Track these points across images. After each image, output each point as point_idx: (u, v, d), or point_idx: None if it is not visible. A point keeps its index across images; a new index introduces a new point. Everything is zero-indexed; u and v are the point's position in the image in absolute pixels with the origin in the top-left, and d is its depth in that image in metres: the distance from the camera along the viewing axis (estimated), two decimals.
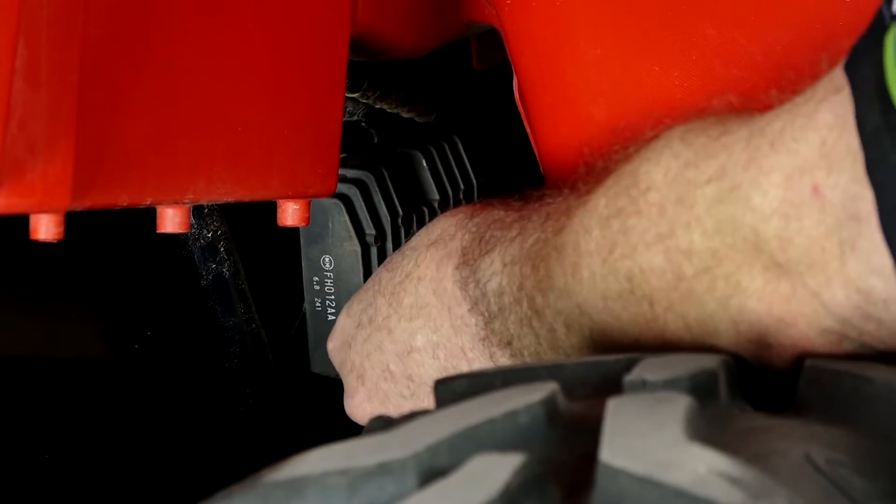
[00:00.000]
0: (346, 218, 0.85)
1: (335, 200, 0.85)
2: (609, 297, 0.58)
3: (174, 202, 0.63)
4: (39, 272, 0.85)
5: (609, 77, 0.76)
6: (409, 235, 0.90)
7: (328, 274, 0.86)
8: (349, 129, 0.88)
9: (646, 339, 0.57)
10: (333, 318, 0.87)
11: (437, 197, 0.94)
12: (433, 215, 0.93)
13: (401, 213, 0.89)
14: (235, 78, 0.64)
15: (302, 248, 0.87)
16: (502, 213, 0.71)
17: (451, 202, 0.96)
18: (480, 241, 0.70)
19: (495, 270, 0.67)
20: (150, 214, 0.64)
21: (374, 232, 0.86)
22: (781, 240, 0.49)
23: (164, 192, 0.61)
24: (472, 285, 0.69)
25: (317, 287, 0.87)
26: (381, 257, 0.87)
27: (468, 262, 0.69)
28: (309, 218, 0.73)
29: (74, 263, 0.86)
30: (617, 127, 0.70)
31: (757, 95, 0.66)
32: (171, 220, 0.64)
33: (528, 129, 0.84)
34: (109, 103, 0.56)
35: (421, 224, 0.92)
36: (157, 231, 0.64)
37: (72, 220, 0.56)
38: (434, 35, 0.86)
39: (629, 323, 0.57)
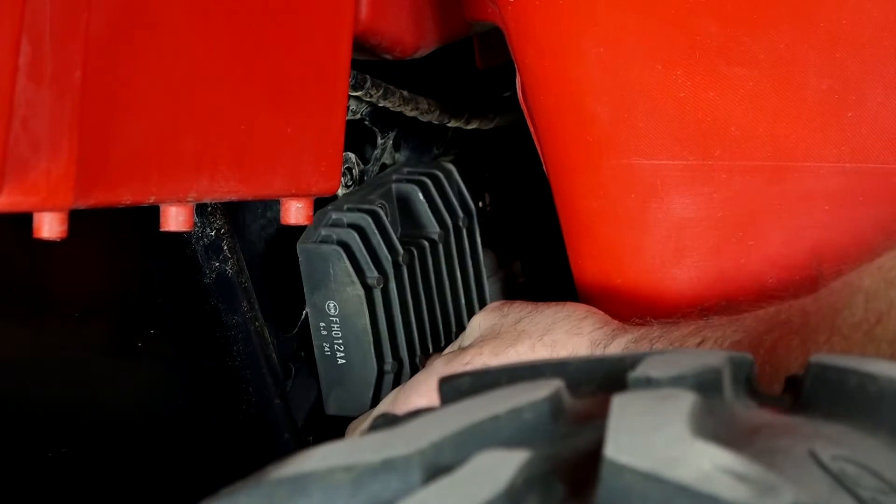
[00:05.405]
0: (347, 263, 0.86)
1: (335, 247, 0.86)
2: None
3: (177, 200, 0.63)
4: (43, 271, 0.85)
5: (612, 75, 0.76)
6: (411, 272, 0.90)
7: (334, 319, 0.87)
8: (352, 128, 0.88)
9: None
10: (343, 361, 0.88)
11: (437, 230, 0.94)
12: (434, 249, 0.94)
13: (401, 251, 0.89)
14: (239, 76, 0.64)
15: (306, 294, 0.88)
16: None
17: (451, 232, 0.96)
18: None
19: None
20: (153, 213, 0.64)
21: (375, 274, 0.87)
22: None
23: (167, 191, 0.61)
24: None
25: (324, 332, 0.88)
26: (385, 298, 0.88)
27: None
28: (312, 216, 0.73)
29: (77, 262, 0.86)
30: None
31: (759, 93, 0.66)
32: (175, 219, 0.64)
33: (531, 128, 0.84)
34: (113, 101, 0.56)
35: (423, 259, 0.92)
36: (161, 229, 0.64)
37: (75, 219, 0.56)
38: (436, 34, 0.86)
39: None
